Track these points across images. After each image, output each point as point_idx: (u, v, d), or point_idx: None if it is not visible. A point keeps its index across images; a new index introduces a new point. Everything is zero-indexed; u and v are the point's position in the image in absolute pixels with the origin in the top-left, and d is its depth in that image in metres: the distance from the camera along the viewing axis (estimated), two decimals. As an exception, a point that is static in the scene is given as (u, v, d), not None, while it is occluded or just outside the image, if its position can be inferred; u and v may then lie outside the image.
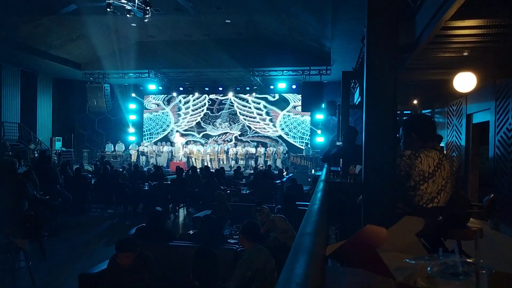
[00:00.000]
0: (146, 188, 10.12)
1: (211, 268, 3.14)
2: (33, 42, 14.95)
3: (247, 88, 19.04)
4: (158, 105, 21.31)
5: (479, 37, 4.97)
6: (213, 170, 11.43)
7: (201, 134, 20.75)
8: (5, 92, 16.81)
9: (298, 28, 14.32)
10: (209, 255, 3.22)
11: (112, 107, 19.33)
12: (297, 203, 6.56)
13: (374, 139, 1.98)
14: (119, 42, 16.43)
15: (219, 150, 18.65)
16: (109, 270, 3.56)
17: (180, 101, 21.00)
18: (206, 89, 19.59)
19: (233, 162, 18.09)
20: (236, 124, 20.51)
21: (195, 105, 21.00)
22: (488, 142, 7.54)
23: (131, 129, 20.50)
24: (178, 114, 21.14)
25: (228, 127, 20.58)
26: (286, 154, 18.70)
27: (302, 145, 19.47)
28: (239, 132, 20.45)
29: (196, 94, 19.95)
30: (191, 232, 5.30)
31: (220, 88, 19.29)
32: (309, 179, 12.85)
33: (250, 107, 20.40)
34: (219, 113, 20.68)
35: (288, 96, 19.91)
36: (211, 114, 20.84)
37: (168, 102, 21.18)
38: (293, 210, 5.93)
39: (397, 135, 2.46)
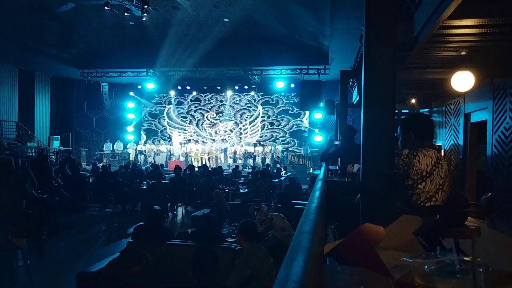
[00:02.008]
0: (144, 187, 10.12)
1: (211, 266, 3.15)
2: (31, 41, 14.90)
3: (245, 87, 19.03)
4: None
5: (477, 36, 4.98)
6: (211, 169, 11.42)
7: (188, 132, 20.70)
8: (3, 91, 16.76)
9: (296, 27, 14.32)
10: (210, 253, 3.22)
11: (110, 106, 19.30)
12: (295, 202, 6.56)
13: (372, 138, 1.99)
14: (117, 40, 16.40)
15: (217, 149, 18.63)
16: (110, 275, 3.47)
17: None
18: (204, 87, 19.56)
19: (231, 161, 18.08)
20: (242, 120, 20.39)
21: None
22: (486, 141, 7.56)
23: (130, 128, 20.46)
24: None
25: (230, 127, 20.48)
26: (285, 152, 18.68)
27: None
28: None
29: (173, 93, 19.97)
30: (189, 231, 5.30)
31: (218, 87, 19.28)
32: (307, 178, 12.87)
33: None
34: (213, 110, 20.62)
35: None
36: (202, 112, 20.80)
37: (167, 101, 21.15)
38: (289, 210, 5.92)
39: (395, 134, 2.47)
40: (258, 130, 20.29)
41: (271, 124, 20.12)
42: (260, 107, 20.23)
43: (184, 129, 20.76)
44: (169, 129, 20.97)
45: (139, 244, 4.21)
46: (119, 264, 3.39)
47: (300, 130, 19.72)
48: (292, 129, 19.81)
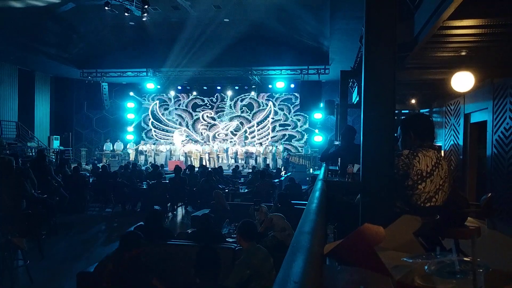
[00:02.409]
0: (144, 187, 10.12)
1: (214, 266, 3.15)
2: (31, 41, 14.89)
3: (246, 87, 19.03)
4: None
5: (477, 36, 4.98)
6: (211, 169, 11.42)
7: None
8: (3, 91, 16.77)
9: (296, 27, 14.32)
10: (212, 253, 3.23)
11: (110, 106, 19.31)
12: (295, 202, 6.56)
13: (372, 138, 1.99)
14: (117, 40, 16.40)
15: (219, 149, 18.63)
16: (111, 267, 3.46)
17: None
18: (205, 88, 19.56)
19: (232, 161, 18.08)
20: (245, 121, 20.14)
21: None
22: (486, 142, 7.56)
23: (130, 128, 20.46)
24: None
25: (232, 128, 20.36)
26: (285, 152, 18.69)
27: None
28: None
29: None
30: (189, 231, 5.30)
31: (219, 87, 19.28)
32: (307, 178, 12.87)
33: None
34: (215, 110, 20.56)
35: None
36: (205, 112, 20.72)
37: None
38: (289, 210, 5.92)
39: (395, 134, 2.47)
40: (268, 133, 19.67)
41: (284, 125, 19.61)
42: (270, 103, 19.67)
43: (181, 130, 20.68)
44: (154, 130, 20.78)
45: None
46: (120, 249, 3.39)
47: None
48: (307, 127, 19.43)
